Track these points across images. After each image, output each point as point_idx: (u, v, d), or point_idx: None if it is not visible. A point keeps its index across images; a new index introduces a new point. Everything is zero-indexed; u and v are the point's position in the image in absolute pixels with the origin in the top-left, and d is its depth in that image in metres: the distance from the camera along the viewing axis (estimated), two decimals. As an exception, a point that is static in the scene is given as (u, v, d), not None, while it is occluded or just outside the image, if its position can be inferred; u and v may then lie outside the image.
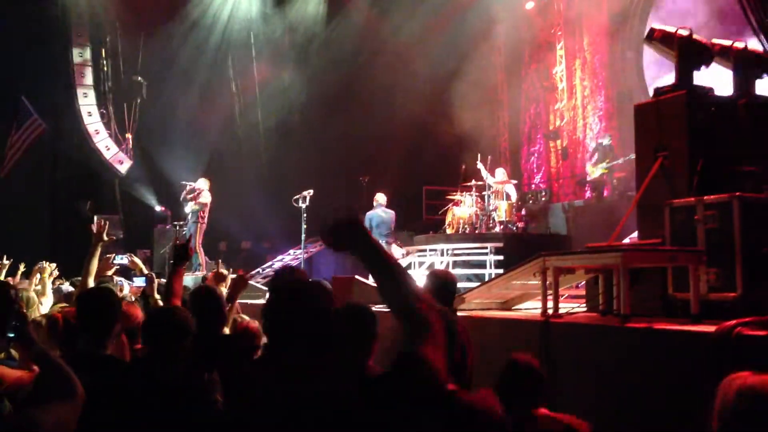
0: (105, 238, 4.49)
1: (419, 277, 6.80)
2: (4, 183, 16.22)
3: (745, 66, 6.52)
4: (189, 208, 13.45)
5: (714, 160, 5.96)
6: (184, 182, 13.64)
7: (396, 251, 11.66)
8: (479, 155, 13.63)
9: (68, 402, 1.97)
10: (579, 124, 17.35)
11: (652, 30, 6.86)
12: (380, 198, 12.08)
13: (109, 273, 6.10)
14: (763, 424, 2.33)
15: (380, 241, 12.26)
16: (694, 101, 6.14)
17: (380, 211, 12.00)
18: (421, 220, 15.81)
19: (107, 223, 4.74)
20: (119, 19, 16.79)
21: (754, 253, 5.38)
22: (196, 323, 2.94)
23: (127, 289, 11.32)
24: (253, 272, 13.90)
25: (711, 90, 6.32)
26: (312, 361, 1.93)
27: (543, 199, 16.60)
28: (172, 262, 4.66)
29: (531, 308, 7.30)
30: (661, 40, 6.72)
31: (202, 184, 13.51)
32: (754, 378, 2.46)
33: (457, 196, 13.63)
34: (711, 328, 4.51)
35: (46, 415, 1.85)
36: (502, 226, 13.01)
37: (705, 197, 5.64)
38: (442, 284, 4.20)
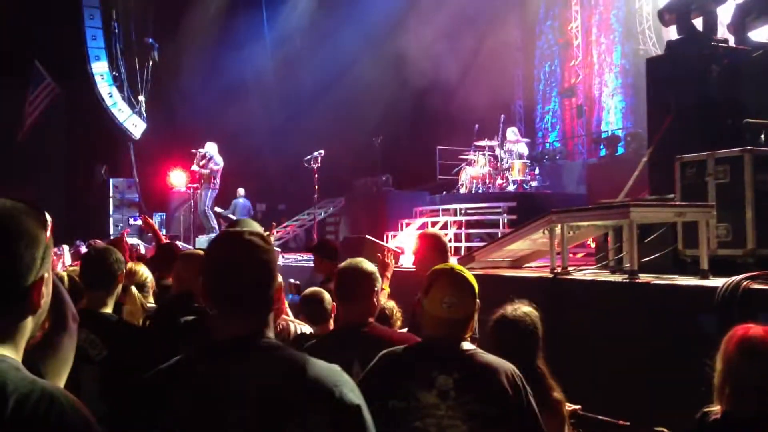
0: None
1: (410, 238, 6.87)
2: (20, 147, 16.36)
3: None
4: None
5: (727, 113, 5.86)
6: (194, 150, 13.64)
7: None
8: (503, 116, 13.60)
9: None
10: (595, 81, 17.10)
11: (660, 12, 6.76)
12: (241, 191, 15.59)
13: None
14: (760, 371, 2.39)
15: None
16: (706, 54, 6.02)
17: (240, 200, 15.54)
18: (434, 180, 15.77)
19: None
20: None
21: (765, 207, 5.32)
22: None
23: (143, 250, 11.50)
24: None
25: (725, 41, 6.20)
26: None
27: (558, 157, 16.46)
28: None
29: (541, 266, 7.29)
30: (668, 9, 6.60)
31: (211, 148, 13.54)
32: (755, 329, 2.51)
33: (470, 156, 13.56)
34: (719, 283, 4.50)
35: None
36: (515, 186, 12.96)
37: (716, 152, 5.56)
38: (431, 244, 4.23)
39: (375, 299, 3.03)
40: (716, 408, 2.57)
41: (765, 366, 2.42)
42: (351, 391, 1.71)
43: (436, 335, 2.51)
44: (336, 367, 1.77)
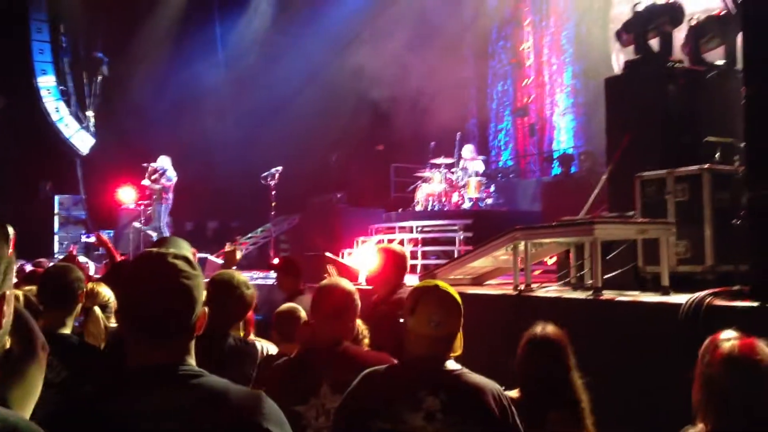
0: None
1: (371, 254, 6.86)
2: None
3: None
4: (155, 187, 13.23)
5: (684, 131, 5.99)
6: (145, 164, 13.34)
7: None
8: (459, 133, 13.72)
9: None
10: (547, 101, 17.37)
11: (618, 32, 6.92)
12: None
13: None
14: (746, 383, 2.32)
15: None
16: (663, 73, 6.15)
17: None
18: (389, 197, 15.76)
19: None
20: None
21: (723, 224, 5.42)
22: None
23: (93, 269, 11.14)
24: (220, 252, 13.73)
25: (680, 62, 6.34)
26: None
27: (511, 175, 16.64)
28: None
29: (502, 283, 7.30)
30: (626, 29, 6.74)
31: (164, 162, 13.25)
32: (733, 341, 2.39)
33: (426, 173, 13.60)
34: (682, 299, 4.54)
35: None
36: (471, 203, 13.02)
37: (676, 169, 5.66)
38: (393, 260, 4.23)
39: (352, 320, 2.95)
40: (699, 427, 2.42)
41: (751, 378, 2.30)
42: (276, 424, 1.59)
43: (422, 354, 2.44)
44: (261, 395, 1.65)
